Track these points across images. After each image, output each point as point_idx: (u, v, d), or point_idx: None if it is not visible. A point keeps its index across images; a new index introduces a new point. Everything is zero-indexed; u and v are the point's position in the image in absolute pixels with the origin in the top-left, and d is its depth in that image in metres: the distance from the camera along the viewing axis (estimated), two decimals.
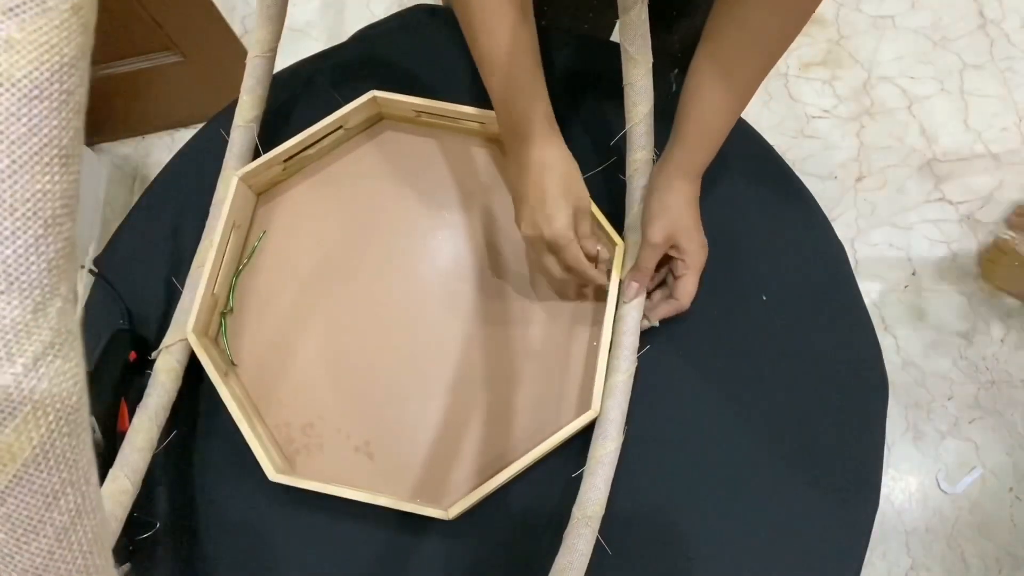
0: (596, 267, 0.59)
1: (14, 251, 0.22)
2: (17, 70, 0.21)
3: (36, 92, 0.22)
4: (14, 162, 0.22)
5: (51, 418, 0.24)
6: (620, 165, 0.65)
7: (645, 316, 0.61)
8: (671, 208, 0.57)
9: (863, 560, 0.57)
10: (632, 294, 0.59)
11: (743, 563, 0.57)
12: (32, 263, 0.22)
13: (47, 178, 0.23)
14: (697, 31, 0.55)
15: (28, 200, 0.22)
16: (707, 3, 0.53)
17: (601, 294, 0.62)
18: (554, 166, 0.55)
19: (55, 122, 0.22)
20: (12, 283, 0.22)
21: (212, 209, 0.65)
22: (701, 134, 0.56)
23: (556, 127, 0.57)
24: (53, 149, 0.23)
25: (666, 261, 0.60)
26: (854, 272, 0.66)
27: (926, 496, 1.28)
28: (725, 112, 0.55)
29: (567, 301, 0.64)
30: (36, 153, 0.22)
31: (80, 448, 0.25)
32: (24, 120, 0.22)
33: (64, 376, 0.24)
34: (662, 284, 0.62)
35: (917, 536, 1.26)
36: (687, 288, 0.58)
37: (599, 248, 0.59)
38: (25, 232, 0.22)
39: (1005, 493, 1.28)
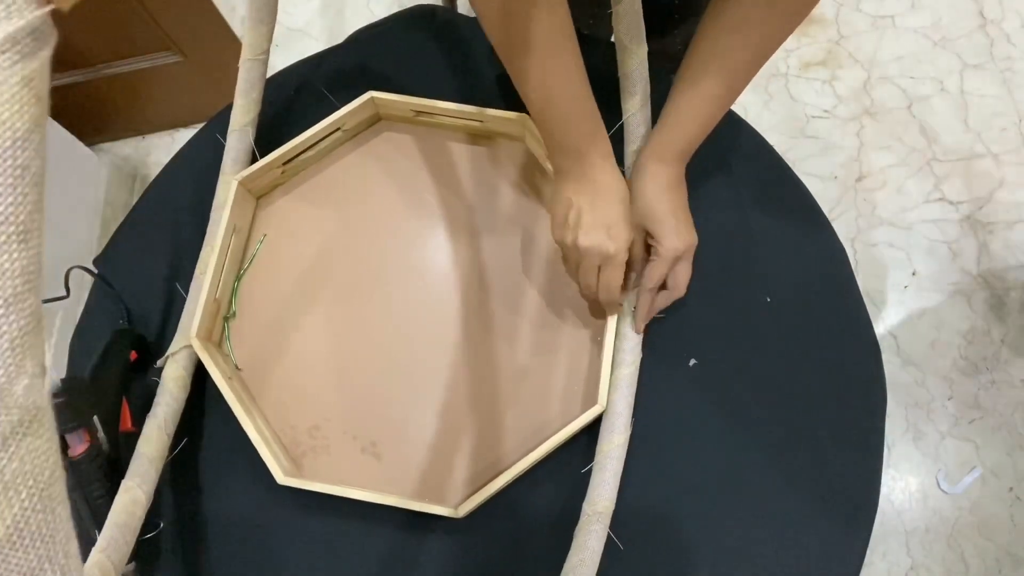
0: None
1: None
2: None
3: None
4: None
5: (23, 496, 0.23)
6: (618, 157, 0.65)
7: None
8: (644, 193, 0.56)
9: (863, 560, 0.58)
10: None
11: (743, 561, 0.57)
12: None
13: (4, 256, 0.22)
14: None
15: None
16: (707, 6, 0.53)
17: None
18: (619, 191, 0.57)
19: (10, 199, 0.22)
20: None
21: (212, 214, 0.65)
22: (681, 119, 0.55)
23: (611, 150, 0.57)
24: (10, 227, 0.22)
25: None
26: (854, 272, 0.66)
27: (926, 496, 1.28)
28: (711, 97, 0.54)
29: (572, 297, 0.64)
30: None
31: (56, 523, 0.25)
32: None
33: (35, 453, 0.24)
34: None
35: (917, 536, 1.26)
36: (677, 279, 0.57)
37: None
38: None
39: (1005, 493, 1.28)
